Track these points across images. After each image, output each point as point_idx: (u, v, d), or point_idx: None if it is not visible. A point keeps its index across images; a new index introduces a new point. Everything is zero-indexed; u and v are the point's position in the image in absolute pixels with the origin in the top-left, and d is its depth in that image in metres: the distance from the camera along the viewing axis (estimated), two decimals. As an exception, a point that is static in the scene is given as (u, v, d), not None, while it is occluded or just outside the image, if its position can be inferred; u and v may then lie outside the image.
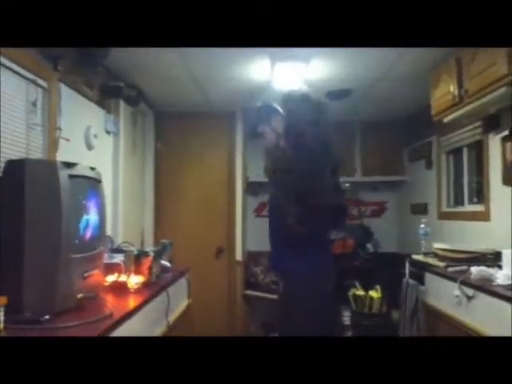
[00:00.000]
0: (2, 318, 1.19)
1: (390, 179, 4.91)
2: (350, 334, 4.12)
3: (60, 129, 2.50)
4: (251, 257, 4.60)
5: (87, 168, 1.72)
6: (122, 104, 3.53)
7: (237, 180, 4.48)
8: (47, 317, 1.37)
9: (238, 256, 4.44)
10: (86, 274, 1.60)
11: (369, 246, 4.86)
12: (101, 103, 3.21)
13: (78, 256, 1.53)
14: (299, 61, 3.11)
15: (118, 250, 2.32)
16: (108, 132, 3.38)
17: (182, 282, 2.74)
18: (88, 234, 1.64)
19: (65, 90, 2.62)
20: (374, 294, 3.96)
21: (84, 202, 1.63)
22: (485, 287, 2.05)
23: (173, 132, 4.46)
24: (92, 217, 1.67)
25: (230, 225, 4.44)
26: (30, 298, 1.37)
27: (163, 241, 2.61)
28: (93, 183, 1.76)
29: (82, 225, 1.59)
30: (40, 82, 2.33)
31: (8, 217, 1.39)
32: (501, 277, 2.02)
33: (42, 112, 2.39)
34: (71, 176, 1.51)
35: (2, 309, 1.21)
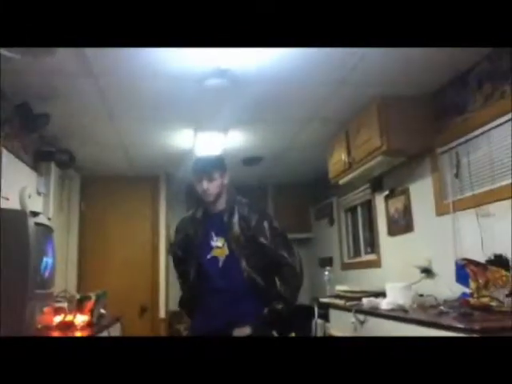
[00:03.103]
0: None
1: (299, 236, 5.32)
2: None
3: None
4: (174, 315, 4.76)
5: (46, 218, 2.01)
6: (52, 167, 3.77)
7: (160, 241, 4.76)
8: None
9: (162, 314, 4.64)
10: (44, 309, 1.85)
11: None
12: (34, 166, 3.47)
13: (39, 292, 1.79)
14: (218, 131, 3.55)
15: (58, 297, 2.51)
16: (39, 193, 3.59)
17: (117, 328, 2.94)
18: (46, 274, 1.91)
19: (5, 153, 2.88)
20: (289, 339, 4.33)
21: (43, 246, 1.91)
22: (372, 312, 2.55)
23: (98, 195, 4.69)
24: (49, 259, 1.95)
25: (153, 284, 4.65)
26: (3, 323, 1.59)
27: (98, 291, 2.82)
28: (49, 230, 2.06)
29: (42, 265, 1.86)
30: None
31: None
32: (384, 303, 2.54)
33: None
34: (36, 223, 1.80)
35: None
